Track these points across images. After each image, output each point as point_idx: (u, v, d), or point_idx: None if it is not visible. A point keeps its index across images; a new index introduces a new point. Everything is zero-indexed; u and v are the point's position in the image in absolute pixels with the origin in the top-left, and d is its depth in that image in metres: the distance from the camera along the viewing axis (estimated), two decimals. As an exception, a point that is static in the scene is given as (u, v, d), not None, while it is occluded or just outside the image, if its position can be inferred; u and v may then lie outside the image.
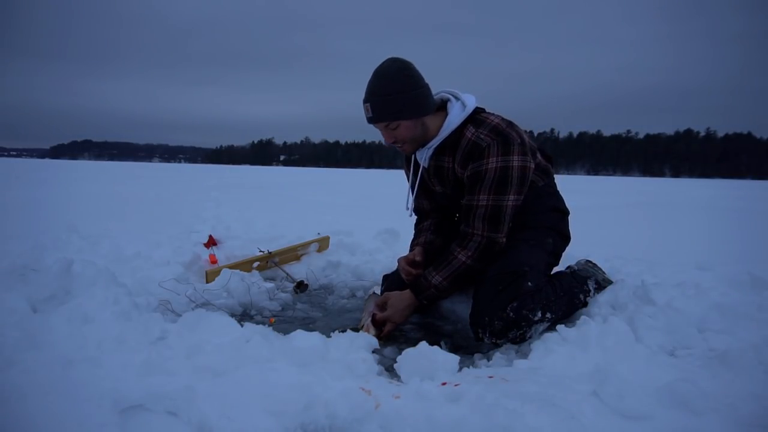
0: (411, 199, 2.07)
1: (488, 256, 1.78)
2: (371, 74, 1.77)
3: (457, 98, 1.86)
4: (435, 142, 1.84)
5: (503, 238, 1.78)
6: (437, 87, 1.89)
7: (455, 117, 1.81)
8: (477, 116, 1.83)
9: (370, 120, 1.79)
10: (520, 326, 1.67)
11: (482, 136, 1.75)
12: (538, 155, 1.92)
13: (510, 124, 1.81)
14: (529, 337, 1.70)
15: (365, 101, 1.77)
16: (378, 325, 1.83)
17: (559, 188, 2.04)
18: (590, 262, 2.09)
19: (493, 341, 1.71)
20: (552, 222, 1.94)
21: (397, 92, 1.71)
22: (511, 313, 1.66)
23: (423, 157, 1.90)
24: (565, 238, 2.01)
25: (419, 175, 1.99)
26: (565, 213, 2.00)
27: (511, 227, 1.84)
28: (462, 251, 1.78)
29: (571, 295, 1.85)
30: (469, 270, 1.79)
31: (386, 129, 1.80)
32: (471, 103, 1.83)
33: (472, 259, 1.77)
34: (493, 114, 1.85)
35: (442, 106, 1.88)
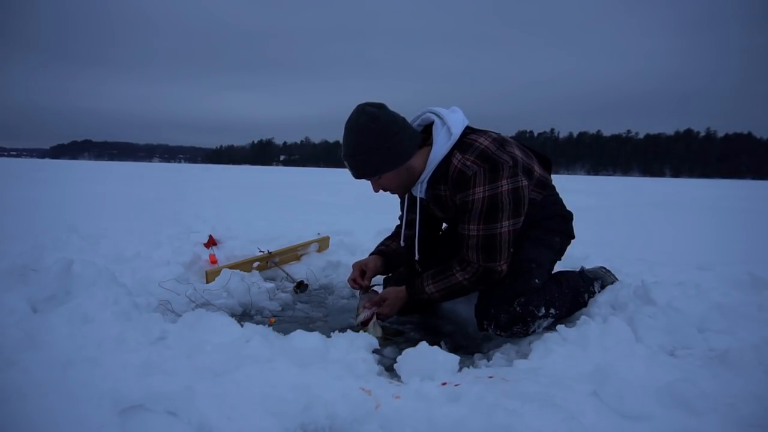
0: (414, 234, 1.98)
1: (486, 282, 1.75)
2: (344, 127, 1.72)
3: (442, 120, 1.76)
4: (424, 177, 1.77)
5: (503, 265, 1.71)
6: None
7: (440, 148, 1.72)
8: (464, 139, 1.72)
9: (354, 176, 1.77)
10: (525, 321, 1.70)
11: (468, 163, 1.66)
12: (536, 169, 1.83)
13: (501, 144, 1.70)
14: (532, 332, 1.73)
15: (344, 158, 1.75)
16: (373, 305, 1.89)
17: (559, 189, 2.04)
18: (604, 267, 2.15)
19: (498, 334, 1.74)
20: (558, 226, 1.95)
21: (371, 149, 1.66)
22: (518, 308, 1.69)
23: (418, 191, 1.85)
24: (570, 237, 2.01)
25: (418, 208, 1.92)
26: (569, 219, 2.00)
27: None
28: (461, 272, 1.75)
29: (575, 293, 1.87)
30: (464, 290, 1.79)
31: (372, 181, 1.79)
32: (457, 128, 1.72)
33: (468, 282, 1.75)
34: (483, 134, 1.74)
35: (427, 135, 1.80)
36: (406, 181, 1.79)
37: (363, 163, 1.71)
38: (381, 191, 1.84)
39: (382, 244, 2.17)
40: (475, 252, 1.71)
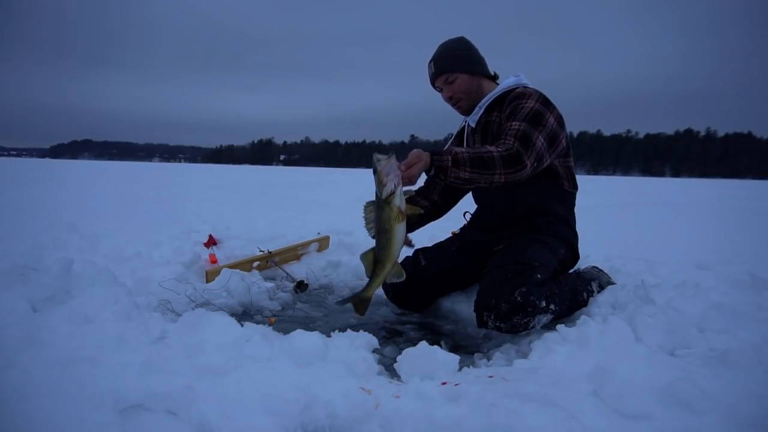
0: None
1: (513, 165, 1.70)
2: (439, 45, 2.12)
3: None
4: (487, 99, 2.06)
5: (529, 164, 1.72)
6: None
7: (509, 82, 2.06)
8: (527, 85, 2.06)
9: (433, 76, 2.09)
10: (526, 311, 1.67)
11: (530, 90, 1.97)
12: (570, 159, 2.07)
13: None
14: (532, 327, 1.71)
15: (430, 62, 2.10)
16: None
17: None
18: (596, 267, 2.17)
19: (497, 325, 1.69)
20: (566, 235, 2.01)
21: (457, 50, 2.07)
22: (519, 297, 1.68)
23: (474, 118, 2.10)
24: (575, 255, 2.08)
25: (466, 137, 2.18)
26: (575, 231, 2.09)
27: (527, 229, 1.97)
28: (494, 147, 1.73)
29: (574, 292, 1.88)
30: (493, 161, 1.67)
31: (445, 84, 2.07)
32: (523, 79, 2.07)
33: (500, 154, 1.69)
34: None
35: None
36: (474, 93, 2.08)
37: (449, 58, 2.05)
38: (449, 99, 2.11)
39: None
40: (513, 137, 1.78)
